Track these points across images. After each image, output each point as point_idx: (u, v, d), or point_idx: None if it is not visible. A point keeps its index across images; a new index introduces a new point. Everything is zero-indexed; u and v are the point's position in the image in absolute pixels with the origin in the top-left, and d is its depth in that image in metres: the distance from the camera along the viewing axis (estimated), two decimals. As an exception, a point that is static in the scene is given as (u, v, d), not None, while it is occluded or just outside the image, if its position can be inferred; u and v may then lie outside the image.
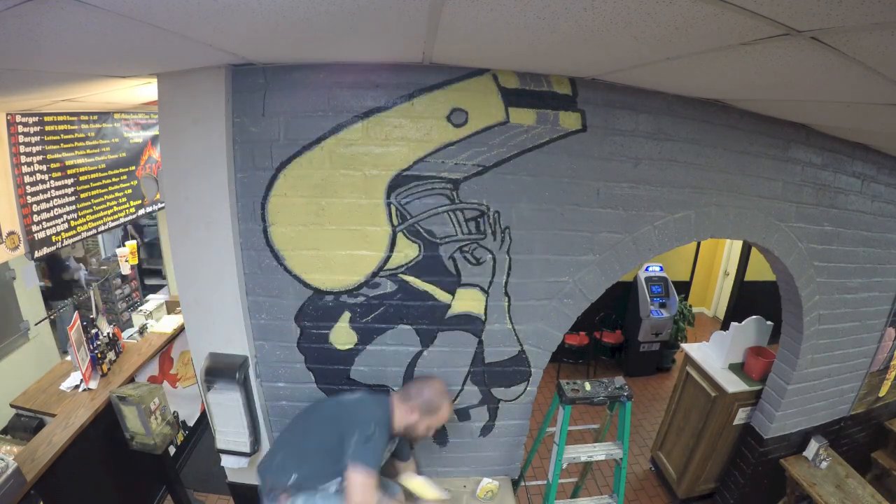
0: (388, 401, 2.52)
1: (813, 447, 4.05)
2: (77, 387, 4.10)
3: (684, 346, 4.95)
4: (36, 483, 3.08)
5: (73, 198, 4.61)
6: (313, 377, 2.79)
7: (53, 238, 4.40)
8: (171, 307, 5.51)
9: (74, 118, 4.50)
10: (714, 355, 4.63)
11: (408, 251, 2.55)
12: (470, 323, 2.72)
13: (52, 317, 5.55)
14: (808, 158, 2.96)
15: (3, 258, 3.93)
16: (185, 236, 2.48)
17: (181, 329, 5.04)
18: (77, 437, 3.49)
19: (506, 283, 2.66)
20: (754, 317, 4.47)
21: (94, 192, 4.91)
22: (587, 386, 3.00)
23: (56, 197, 4.40)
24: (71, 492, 3.48)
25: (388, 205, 2.46)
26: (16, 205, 4.00)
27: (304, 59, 2.17)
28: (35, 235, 4.18)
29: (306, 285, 2.59)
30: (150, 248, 8.92)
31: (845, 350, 3.89)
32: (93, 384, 4.01)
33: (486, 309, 2.70)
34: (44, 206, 4.26)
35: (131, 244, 5.84)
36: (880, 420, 4.74)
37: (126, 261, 5.79)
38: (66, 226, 4.55)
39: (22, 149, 3.98)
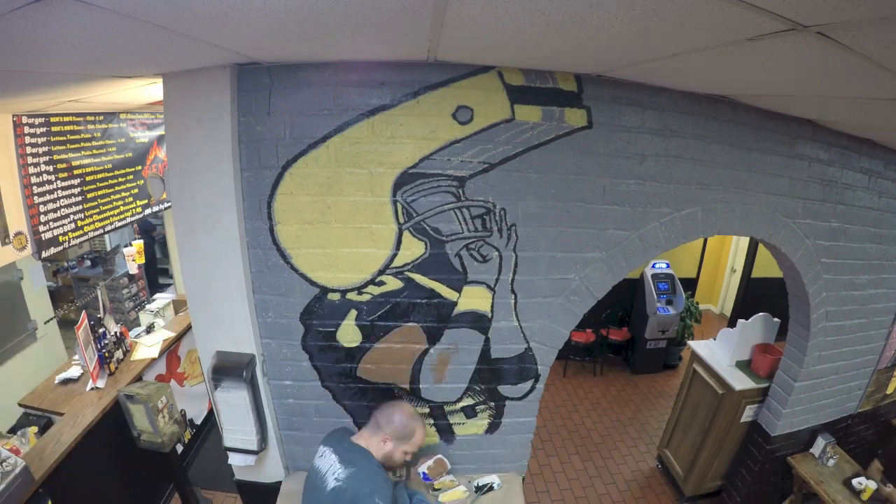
0: (362, 449, 2.49)
1: (820, 445, 4.04)
2: (70, 380, 4.13)
3: (691, 343, 4.94)
4: (44, 482, 3.09)
5: (79, 198, 4.64)
6: (318, 375, 2.80)
7: (60, 238, 4.43)
8: (179, 306, 5.53)
9: (80, 119, 4.52)
10: (721, 352, 4.62)
11: (414, 249, 2.55)
12: (476, 320, 2.72)
13: (59, 317, 5.58)
14: (814, 154, 2.95)
15: (10, 258, 3.96)
16: (191, 235, 2.48)
17: (179, 335, 5.05)
18: (85, 436, 3.50)
19: (512, 280, 2.66)
20: (761, 314, 4.46)
21: (100, 192, 4.94)
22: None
23: (63, 197, 4.43)
24: (79, 490, 3.50)
25: (394, 203, 2.46)
26: (23, 205, 4.03)
27: (309, 57, 2.17)
28: (42, 235, 4.21)
29: (313, 283, 2.60)
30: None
31: (853, 347, 3.88)
32: (100, 383, 4.03)
33: (492, 306, 2.69)
34: (50, 206, 4.28)
35: (138, 243, 5.86)
36: (888, 418, 4.71)
37: (133, 260, 5.81)
38: (72, 226, 4.58)
39: (28, 150, 4.01)
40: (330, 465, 2.41)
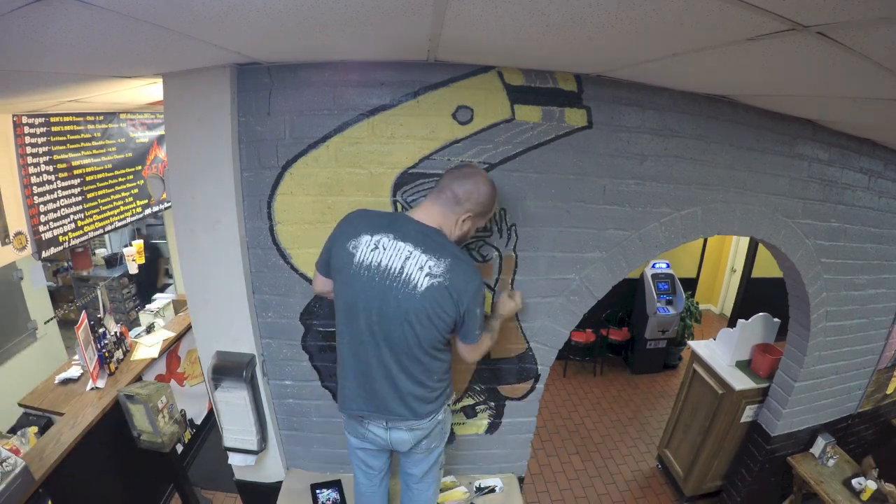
0: (439, 232, 1.98)
1: (820, 445, 4.04)
2: (70, 380, 4.13)
3: (691, 343, 4.94)
4: (44, 482, 3.09)
5: (79, 198, 4.63)
6: (318, 375, 2.80)
7: (60, 238, 4.43)
8: (179, 306, 5.53)
9: (80, 119, 4.52)
10: (721, 352, 4.62)
11: (413, 249, 2.55)
12: (476, 320, 2.71)
13: (59, 317, 5.57)
14: (814, 154, 2.95)
15: (10, 258, 3.95)
16: (191, 235, 2.48)
17: (179, 335, 5.05)
18: (85, 436, 3.50)
19: (512, 280, 2.65)
20: (761, 314, 4.46)
21: (100, 192, 4.94)
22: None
23: (63, 197, 4.42)
24: (79, 490, 3.50)
25: (395, 203, 2.46)
26: (23, 205, 4.02)
27: (309, 57, 2.17)
28: (42, 236, 4.20)
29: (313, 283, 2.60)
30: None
31: (853, 347, 3.88)
32: (100, 383, 4.03)
33: (492, 306, 2.69)
34: (50, 206, 4.28)
35: (138, 243, 5.86)
36: (888, 418, 4.71)
37: (133, 260, 5.81)
38: (72, 226, 4.57)
39: (28, 150, 4.01)
40: (408, 258, 1.91)
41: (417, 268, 1.89)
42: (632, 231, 2.66)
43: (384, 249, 1.92)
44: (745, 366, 4.43)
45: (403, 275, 1.89)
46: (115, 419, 3.75)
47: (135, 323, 5.31)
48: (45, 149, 4.17)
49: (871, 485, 3.74)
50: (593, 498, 4.99)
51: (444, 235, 1.99)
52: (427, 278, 1.88)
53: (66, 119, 4.36)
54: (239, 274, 2.52)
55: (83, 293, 7.24)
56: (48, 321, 5.33)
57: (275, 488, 2.98)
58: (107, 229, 5.16)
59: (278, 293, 2.62)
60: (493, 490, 2.98)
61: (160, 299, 5.55)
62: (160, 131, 5.87)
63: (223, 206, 2.41)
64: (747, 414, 4.24)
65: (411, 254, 1.90)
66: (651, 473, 5.38)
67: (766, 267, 7.54)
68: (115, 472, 3.95)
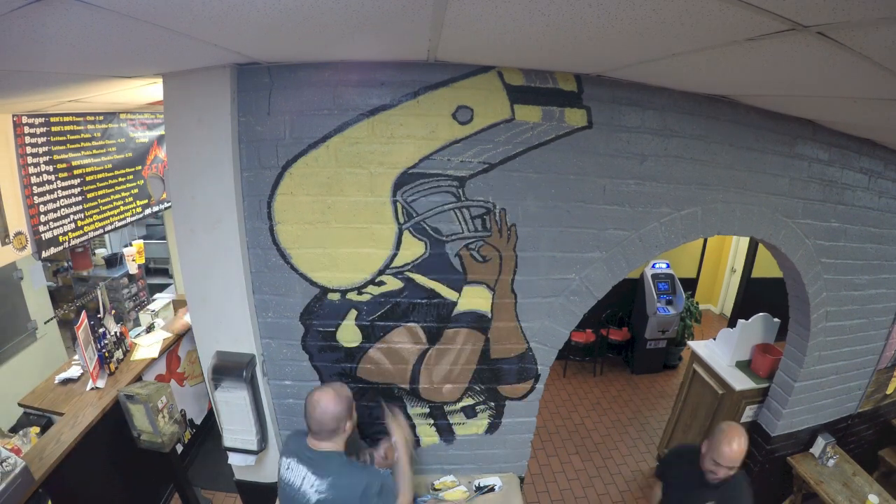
0: (327, 453, 2.35)
1: (820, 445, 4.04)
2: (70, 380, 4.13)
3: (691, 343, 4.93)
4: (44, 482, 3.09)
5: (79, 198, 4.63)
6: (318, 375, 2.80)
7: (60, 238, 4.43)
8: (178, 306, 5.52)
9: (80, 119, 4.52)
10: (721, 353, 4.62)
11: (414, 249, 2.55)
12: (476, 320, 2.72)
13: (59, 317, 5.57)
14: (814, 154, 2.95)
15: (10, 258, 3.95)
16: (191, 235, 2.48)
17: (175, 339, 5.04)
18: (85, 436, 3.50)
19: (512, 280, 2.65)
20: (761, 314, 4.46)
21: (100, 192, 4.94)
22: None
23: (63, 197, 4.42)
24: (79, 490, 3.49)
25: (394, 203, 2.46)
26: (23, 205, 4.02)
27: (309, 57, 2.17)
28: (42, 235, 4.20)
29: (313, 283, 2.60)
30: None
31: (853, 347, 3.88)
32: (100, 383, 4.03)
33: (492, 306, 2.69)
34: (50, 206, 4.28)
35: (138, 243, 5.85)
36: (888, 418, 4.71)
37: (133, 260, 5.81)
38: (72, 226, 4.57)
39: (28, 150, 4.00)
40: (304, 478, 2.32)
41: (309, 486, 2.31)
42: (632, 231, 2.66)
43: (291, 470, 2.38)
44: (745, 366, 4.43)
45: (300, 492, 2.32)
46: (115, 419, 3.75)
47: (135, 323, 5.29)
48: (45, 149, 4.17)
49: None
50: (593, 498, 4.99)
51: (333, 454, 2.36)
52: (315, 494, 2.29)
53: (66, 119, 4.36)
54: (239, 274, 2.52)
55: (83, 293, 7.23)
56: (48, 321, 5.33)
57: (275, 488, 2.97)
58: (107, 229, 5.15)
59: (278, 293, 2.62)
60: (492, 489, 2.98)
61: (160, 299, 5.54)
62: (160, 131, 5.86)
63: (223, 206, 2.42)
64: (747, 414, 4.24)
65: (306, 475, 2.33)
66: (651, 473, 5.37)
67: (766, 267, 7.53)
68: (115, 472, 3.94)
